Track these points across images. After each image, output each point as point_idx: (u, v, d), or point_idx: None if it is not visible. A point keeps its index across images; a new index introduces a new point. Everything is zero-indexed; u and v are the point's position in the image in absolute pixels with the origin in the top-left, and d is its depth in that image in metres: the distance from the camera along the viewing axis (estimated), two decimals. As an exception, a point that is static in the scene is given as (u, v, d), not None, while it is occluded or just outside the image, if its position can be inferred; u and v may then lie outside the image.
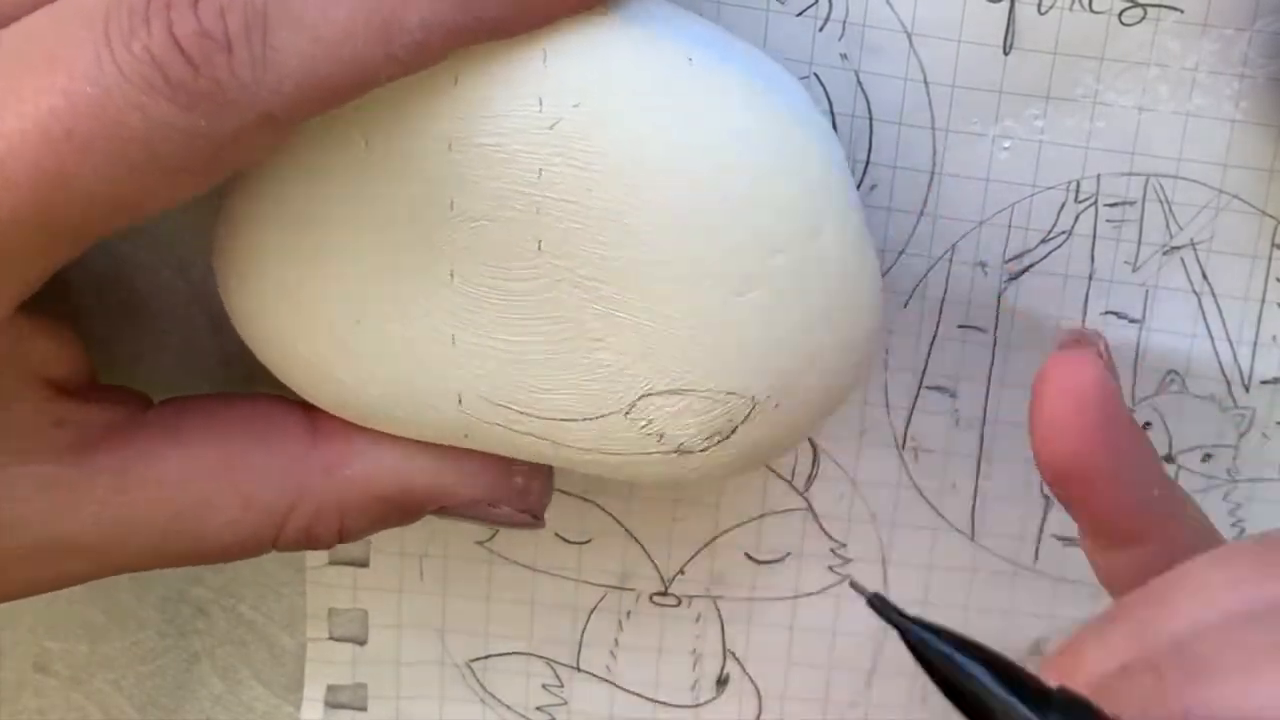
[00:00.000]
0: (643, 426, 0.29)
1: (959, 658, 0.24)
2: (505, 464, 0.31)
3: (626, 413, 0.29)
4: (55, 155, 0.23)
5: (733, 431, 0.29)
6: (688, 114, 0.27)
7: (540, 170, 0.26)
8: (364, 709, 0.39)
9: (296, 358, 0.30)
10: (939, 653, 0.24)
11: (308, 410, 0.31)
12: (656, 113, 0.27)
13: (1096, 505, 0.29)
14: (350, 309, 0.28)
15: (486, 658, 0.38)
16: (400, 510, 0.31)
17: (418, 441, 0.30)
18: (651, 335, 0.28)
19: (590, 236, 0.27)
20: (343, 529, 0.31)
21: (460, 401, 0.29)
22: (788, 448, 0.30)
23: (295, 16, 0.24)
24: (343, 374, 0.29)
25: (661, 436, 0.29)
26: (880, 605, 0.25)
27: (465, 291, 0.28)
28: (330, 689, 0.39)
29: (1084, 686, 0.25)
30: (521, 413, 0.29)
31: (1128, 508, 0.29)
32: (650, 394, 0.28)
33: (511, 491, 0.32)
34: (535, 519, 0.33)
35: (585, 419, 0.29)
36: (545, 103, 0.26)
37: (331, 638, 0.38)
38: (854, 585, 0.26)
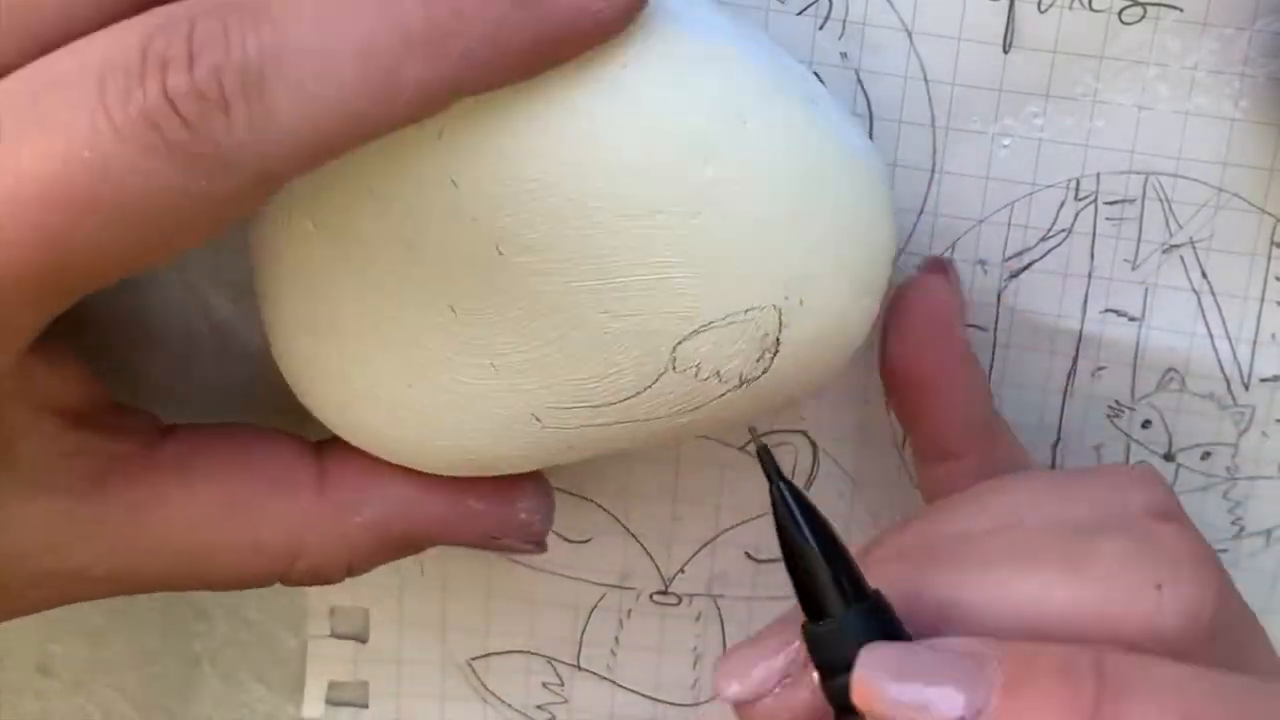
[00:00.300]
0: (695, 374, 0.28)
1: (803, 533, 0.27)
2: (510, 500, 0.32)
3: (674, 368, 0.28)
4: (55, 218, 0.23)
5: (778, 342, 0.28)
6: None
7: (453, 180, 0.26)
8: (365, 706, 0.39)
9: (373, 431, 0.30)
10: (790, 522, 0.27)
11: (318, 452, 0.31)
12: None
13: (934, 416, 0.33)
14: (393, 377, 0.29)
15: (487, 656, 0.38)
16: (407, 548, 0.32)
17: (425, 479, 0.31)
18: (639, 289, 0.27)
19: (528, 221, 0.27)
20: (351, 568, 0.31)
21: (538, 420, 0.29)
22: (855, 336, 0.30)
23: (293, 78, 0.23)
24: (421, 438, 0.30)
25: (719, 375, 0.29)
26: (764, 458, 0.28)
27: (471, 321, 0.28)
28: (332, 686, 0.39)
29: (870, 562, 0.28)
30: (593, 407, 0.29)
31: (958, 423, 0.33)
32: (680, 342, 0.28)
33: (516, 525, 0.32)
34: (539, 546, 0.33)
35: (645, 388, 0.29)
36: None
37: (333, 635, 0.38)
38: (751, 431, 0.29)
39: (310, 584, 0.31)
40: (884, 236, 0.29)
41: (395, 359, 0.29)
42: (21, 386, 0.27)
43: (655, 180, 0.27)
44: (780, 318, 0.28)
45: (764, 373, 0.29)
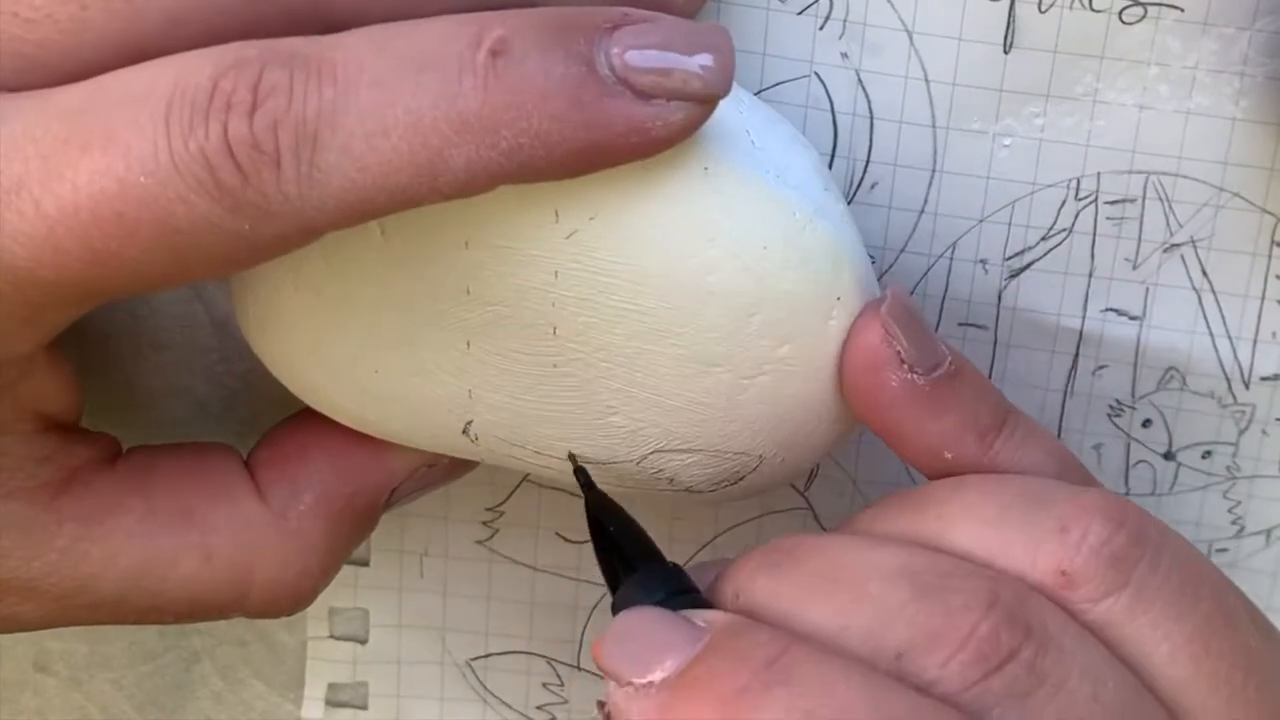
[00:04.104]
0: (654, 473, 0.30)
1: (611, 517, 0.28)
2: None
3: (637, 463, 0.30)
4: (103, 234, 0.24)
5: (739, 480, 0.30)
6: (700, 223, 0.27)
7: (556, 272, 0.27)
8: (365, 707, 0.39)
9: (322, 399, 0.30)
10: (600, 522, 0.28)
11: (250, 464, 0.31)
12: (669, 223, 0.27)
13: (902, 450, 0.30)
14: (369, 363, 0.29)
15: (487, 656, 0.38)
16: (359, 516, 0.32)
17: (345, 440, 0.31)
18: (661, 409, 0.29)
19: (605, 329, 0.28)
20: (323, 565, 0.31)
21: (476, 440, 0.30)
22: (786, 481, 0.32)
23: (343, 143, 0.24)
24: (365, 413, 0.30)
25: (671, 480, 0.30)
26: (580, 474, 0.29)
27: (481, 359, 0.28)
28: (331, 687, 0.39)
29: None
30: (536, 452, 0.30)
31: (929, 454, 0.30)
32: (661, 450, 0.29)
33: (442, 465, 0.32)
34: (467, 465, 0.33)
35: (598, 462, 0.30)
36: (561, 215, 0.26)
37: (332, 636, 0.38)
38: (571, 456, 0.29)
39: (284, 603, 0.31)
40: (850, 426, 0.30)
41: (380, 346, 0.29)
42: (15, 382, 0.27)
43: (734, 346, 0.28)
44: (758, 466, 0.30)
45: (710, 491, 0.30)
